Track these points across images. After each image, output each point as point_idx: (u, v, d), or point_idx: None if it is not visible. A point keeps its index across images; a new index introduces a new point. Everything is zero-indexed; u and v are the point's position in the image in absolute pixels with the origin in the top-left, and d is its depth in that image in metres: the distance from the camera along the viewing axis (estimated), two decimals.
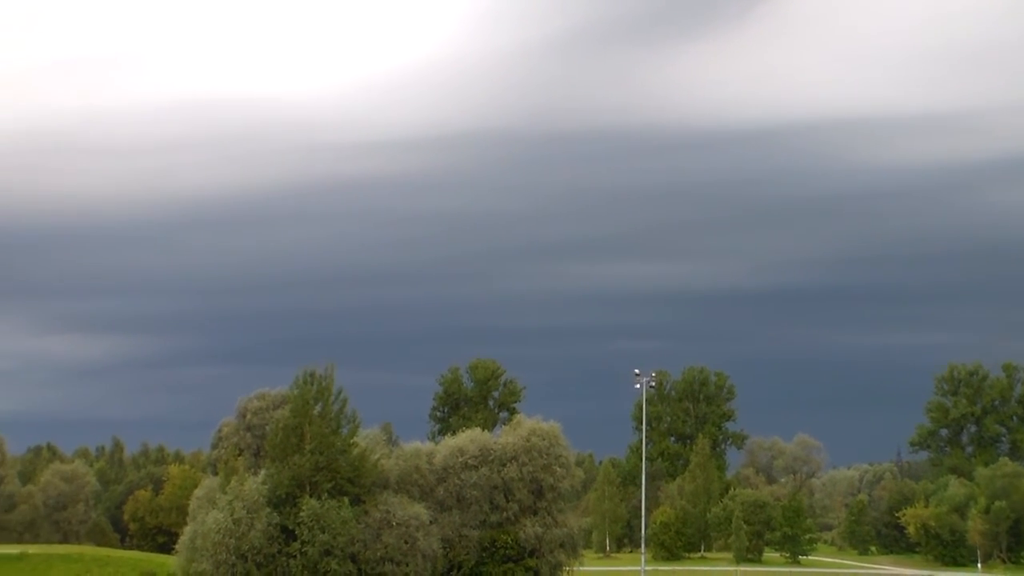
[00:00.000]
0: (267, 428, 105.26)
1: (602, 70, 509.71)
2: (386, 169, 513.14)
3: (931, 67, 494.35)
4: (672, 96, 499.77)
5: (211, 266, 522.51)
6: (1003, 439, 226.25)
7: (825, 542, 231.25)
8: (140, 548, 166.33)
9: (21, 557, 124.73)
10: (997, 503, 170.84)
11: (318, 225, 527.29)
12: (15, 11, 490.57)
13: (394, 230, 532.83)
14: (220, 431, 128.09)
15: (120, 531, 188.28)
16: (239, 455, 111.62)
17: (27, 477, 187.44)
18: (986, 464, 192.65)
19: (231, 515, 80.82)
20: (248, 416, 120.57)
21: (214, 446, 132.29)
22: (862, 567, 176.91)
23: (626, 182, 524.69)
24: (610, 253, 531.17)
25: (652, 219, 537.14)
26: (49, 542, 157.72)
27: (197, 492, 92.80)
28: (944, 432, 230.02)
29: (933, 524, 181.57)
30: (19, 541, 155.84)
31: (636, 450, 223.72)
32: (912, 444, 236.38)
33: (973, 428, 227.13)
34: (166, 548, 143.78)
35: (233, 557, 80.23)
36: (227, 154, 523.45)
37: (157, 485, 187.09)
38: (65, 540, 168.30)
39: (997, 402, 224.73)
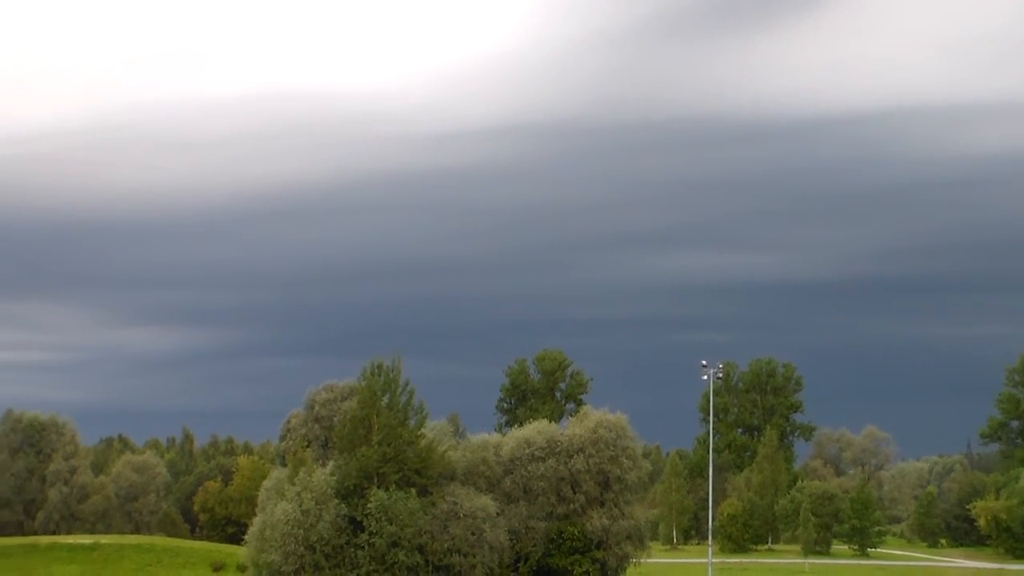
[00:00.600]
0: (335, 420, 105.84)
1: (677, 59, 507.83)
2: (456, 160, 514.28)
3: (1009, 53, 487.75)
4: (747, 85, 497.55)
5: (282, 258, 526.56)
6: None
7: (894, 535, 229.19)
8: (209, 539, 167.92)
9: (94, 547, 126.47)
10: None
11: (388, 216, 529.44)
12: (89, 8, 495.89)
13: (464, 221, 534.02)
14: (288, 423, 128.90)
15: (190, 522, 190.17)
16: (307, 446, 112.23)
17: (99, 468, 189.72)
18: None
19: (300, 506, 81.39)
20: (316, 408, 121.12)
21: (282, 437, 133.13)
22: (932, 560, 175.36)
23: (697, 172, 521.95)
24: (679, 244, 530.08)
25: (722, 209, 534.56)
26: (121, 532, 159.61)
27: (266, 483, 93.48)
28: (1015, 424, 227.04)
29: (1004, 517, 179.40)
30: (92, 531, 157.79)
31: (703, 442, 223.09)
32: (983, 436, 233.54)
33: None
34: (235, 539, 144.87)
35: (302, 548, 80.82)
36: (297, 146, 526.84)
37: (226, 476, 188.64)
38: (136, 530, 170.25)
39: None
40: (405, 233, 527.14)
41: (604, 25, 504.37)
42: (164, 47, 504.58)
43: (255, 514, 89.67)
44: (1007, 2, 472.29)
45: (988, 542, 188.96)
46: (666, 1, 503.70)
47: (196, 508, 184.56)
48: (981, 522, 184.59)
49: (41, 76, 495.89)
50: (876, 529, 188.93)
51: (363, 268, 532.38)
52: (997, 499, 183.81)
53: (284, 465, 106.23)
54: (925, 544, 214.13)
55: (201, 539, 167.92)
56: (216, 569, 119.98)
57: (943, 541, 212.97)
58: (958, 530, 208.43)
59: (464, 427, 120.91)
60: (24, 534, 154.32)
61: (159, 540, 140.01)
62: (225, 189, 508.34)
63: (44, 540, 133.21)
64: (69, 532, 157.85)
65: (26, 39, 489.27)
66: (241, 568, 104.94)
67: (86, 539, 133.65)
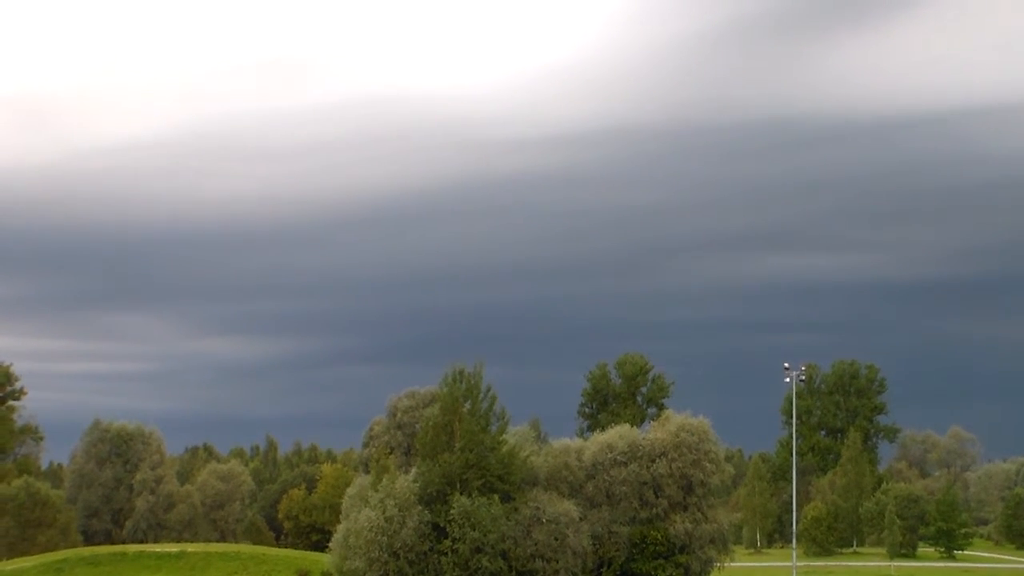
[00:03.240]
0: (417, 426, 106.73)
1: (761, 62, 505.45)
2: (544, 164, 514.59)
3: None
4: (831, 87, 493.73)
5: (367, 266, 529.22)
6: None
7: (981, 536, 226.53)
8: (294, 546, 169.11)
9: (181, 555, 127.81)
10: None
11: (476, 222, 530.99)
12: (182, 18, 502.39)
13: (550, 225, 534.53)
14: (371, 430, 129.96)
15: (275, 529, 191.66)
16: (390, 453, 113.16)
17: (185, 477, 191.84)
18: None
19: (383, 513, 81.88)
20: (398, 415, 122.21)
21: (365, 444, 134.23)
22: (1020, 562, 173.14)
23: (781, 174, 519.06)
24: (762, 246, 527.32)
25: (805, 211, 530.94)
26: (207, 541, 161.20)
27: (349, 490, 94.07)
28: None
29: None
30: (178, 540, 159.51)
31: (786, 445, 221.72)
32: None
33: None
34: (320, 546, 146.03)
35: (386, 555, 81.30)
36: (388, 152, 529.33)
37: (310, 484, 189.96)
38: (222, 539, 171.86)
39: None
40: (492, 238, 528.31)
41: (692, 29, 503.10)
42: (255, 57, 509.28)
43: (339, 521, 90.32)
44: None
45: None
46: (754, 4, 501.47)
47: (280, 516, 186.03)
48: None
49: (135, 88, 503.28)
50: (963, 531, 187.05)
51: (450, 273, 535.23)
52: None
53: (367, 472, 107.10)
54: (1013, 546, 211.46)
55: (286, 547, 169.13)
56: None
57: None
58: None
59: (546, 432, 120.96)
60: (112, 543, 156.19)
61: (244, 548, 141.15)
62: (313, 197, 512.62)
63: (132, 548, 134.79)
64: (156, 541, 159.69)
65: (120, 50, 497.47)
66: (326, 575, 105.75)
67: (173, 547, 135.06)
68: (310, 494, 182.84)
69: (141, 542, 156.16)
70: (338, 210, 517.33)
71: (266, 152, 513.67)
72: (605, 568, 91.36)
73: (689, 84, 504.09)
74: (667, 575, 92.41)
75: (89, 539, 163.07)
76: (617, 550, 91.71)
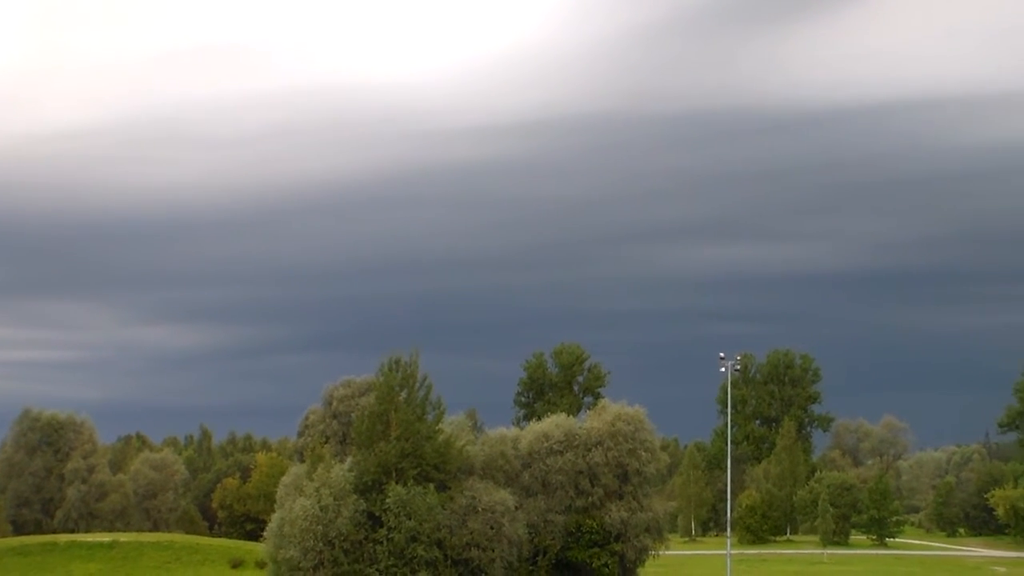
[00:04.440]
0: (353, 415, 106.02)
1: (703, 52, 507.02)
2: (482, 155, 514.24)
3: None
4: (772, 78, 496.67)
5: (305, 255, 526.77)
6: None
7: (912, 524, 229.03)
8: (228, 536, 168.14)
9: (112, 545, 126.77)
10: None
11: (412, 212, 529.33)
12: (117, 5, 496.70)
13: (488, 215, 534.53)
14: (307, 419, 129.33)
15: (209, 519, 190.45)
16: (325, 442, 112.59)
17: (117, 466, 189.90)
18: None
19: (318, 502, 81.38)
20: (334, 403, 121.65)
21: (300, 434, 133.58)
22: (950, 549, 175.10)
23: (721, 165, 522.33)
24: (699, 237, 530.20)
25: (743, 201, 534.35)
26: (140, 530, 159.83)
27: (284, 479, 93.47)
28: None
29: (1022, 506, 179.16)
30: (110, 529, 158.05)
31: (721, 434, 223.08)
32: (1001, 425, 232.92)
33: None
34: (254, 535, 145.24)
35: (320, 544, 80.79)
36: (324, 141, 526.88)
37: (245, 473, 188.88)
38: (155, 528, 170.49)
39: None
40: (428, 228, 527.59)
41: (636, 19, 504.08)
42: (202, 43, 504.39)
43: (274, 510, 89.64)
44: None
45: (1006, 531, 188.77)
46: None
47: (214, 505, 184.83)
48: (999, 511, 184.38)
49: (78, 74, 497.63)
50: (894, 519, 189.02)
51: (385, 263, 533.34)
52: (1015, 488, 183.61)
53: (302, 461, 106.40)
54: (943, 534, 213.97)
55: (220, 536, 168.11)
56: (234, 566, 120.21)
57: (961, 531, 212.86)
58: (976, 519, 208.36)
59: (482, 421, 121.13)
60: (43, 533, 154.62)
61: (178, 537, 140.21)
62: (251, 186, 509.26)
63: (63, 539, 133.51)
64: (88, 530, 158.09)
65: (63, 35, 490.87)
66: (260, 564, 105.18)
67: (105, 537, 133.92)
68: (244, 483, 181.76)
69: (72, 532, 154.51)
70: (280, 198, 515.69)
71: (211, 139, 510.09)
72: (540, 557, 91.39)
73: (632, 74, 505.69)
74: (602, 563, 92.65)
75: (19, 529, 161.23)
76: (553, 539, 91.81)
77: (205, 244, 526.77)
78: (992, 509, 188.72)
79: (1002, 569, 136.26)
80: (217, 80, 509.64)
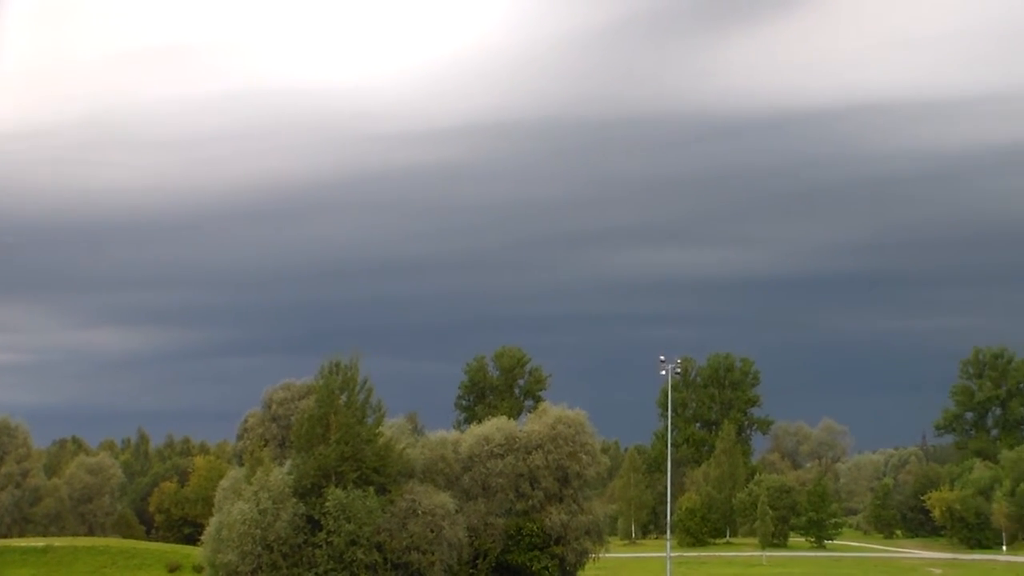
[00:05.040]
0: (292, 419, 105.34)
1: (647, 58, 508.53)
2: (432, 159, 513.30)
3: (969, 50, 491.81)
4: (716, 83, 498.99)
5: (251, 258, 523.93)
6: None
7: (850, 527, 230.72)
8: (165, 540, 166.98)
9: (47, 550, 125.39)
10: (1022, 485, 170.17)
11: (356, 215, 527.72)
12: (66, 5, 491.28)
13: (431, 219, 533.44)
14: (246, 422, 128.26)
15: (146, 523, 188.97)
16: (265, 446, 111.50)
17: (52, 470, 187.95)
18: (1011, 447, 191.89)
19: (257, 506, 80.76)
20: (274, 407, 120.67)
21: (239, 437, 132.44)
22: (887, 551, 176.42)
23: (664, 169, 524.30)
24: (643, 241, 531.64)
25: (686, 206, 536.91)
26: (75, 535, 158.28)
27: (223, 483, 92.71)
28: (969, 415, 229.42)
29: (958, 507, 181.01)
30: (45, 534, 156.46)
31: (661, 437, 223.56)
32: (937, 428, 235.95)
33: (998, 411, 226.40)
34: (192, 539, 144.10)
35: (259, 548, 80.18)
36: (272, 145, 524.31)
37: (183, 477, 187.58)
38: (91, 532, 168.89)
39: (1022, 385, 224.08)
40: (372, 232, 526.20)
41: (579, 25, 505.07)
42: (146, 44, 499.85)
43: (211, 514, 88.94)
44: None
45: (943, 532, 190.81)
46: (641, 1, 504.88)
47: (152, 509, 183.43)
48: (936, 513, 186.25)
49: (20, 74, 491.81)
50: (833, 521, 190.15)
51: (328, 267, 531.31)
52: (951, 490, 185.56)
53: (241, 465, 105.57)
54: (881, 535, 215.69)
55: (157, 540, 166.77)
56: (172, 570, 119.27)
57: (898, 532, 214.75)
58: (913, 521, 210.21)
59: (423, 425, 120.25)
60: None
61: (113, 542, 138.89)
62: (196, 189, 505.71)
63: None
64: (21, 535, 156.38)
65: (4, 35, 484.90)
66: (197, 569, 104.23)
67: (39, 542, 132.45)
68: (182, 487, 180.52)
69: (5, 537, 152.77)
70: (223, 202, 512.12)
71: (154, 142, 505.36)
72: (481, 560, 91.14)
73: (579, 79, 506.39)
74: (542, 566, 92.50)
75: None
76: (493, 542, 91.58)
77: (148, 247, 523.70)
78: (929, 511, 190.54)
79: (938, 571, 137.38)
80: (164, 83, 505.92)
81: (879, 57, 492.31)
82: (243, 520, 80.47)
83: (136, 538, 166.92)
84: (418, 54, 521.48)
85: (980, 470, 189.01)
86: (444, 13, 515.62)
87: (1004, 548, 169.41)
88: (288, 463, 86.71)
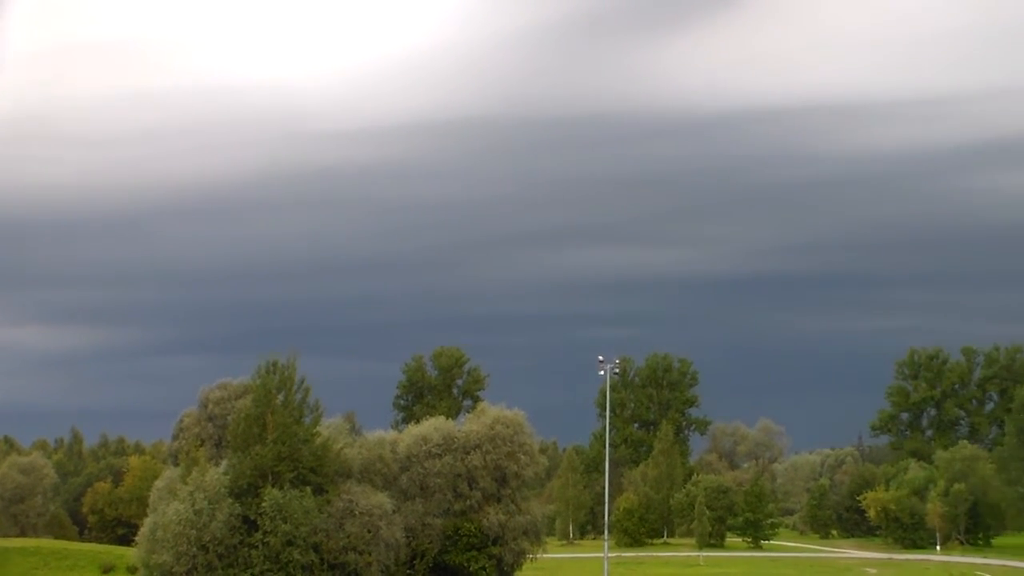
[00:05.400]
0: (229, 418, 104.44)
1: (591, 57, 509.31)
2: (371, 157, 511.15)
3: (907, 53, 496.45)
4: (655, 83, 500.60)
5: (186, 256, 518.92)
6: (962, 422, 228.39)
7: (787, 527, 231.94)
8: (99, 540, 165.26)
9: None
10: (956, 486, 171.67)
11: (296, 214, 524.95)
12: None
13: (370, 219, 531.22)
14: (181, 422, 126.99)
15: (79, 523, 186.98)
16: (200, 446, 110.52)
17: None
18: (945, 447, 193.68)
19: (192, 506, 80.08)
20: (210, 406, 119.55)
21: (175, 437, 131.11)
22: (823, 551, 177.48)
23: (603, 169, 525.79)
24: (580, 241, 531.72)
25: (624, 206, 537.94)
26: (6, 536, 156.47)
27: (158, 483, 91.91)
28: (905, 416, 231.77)
29: (893, 507, 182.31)
30: None
31: (600, 437, 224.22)
32: (873, 428, 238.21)
33: (933, 412, 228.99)
34: (126, 540, 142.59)
35: (194, 548, 79.52)
36: (207, 143, 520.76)
37: (117, 477, 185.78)
38: (23, 533, 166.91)
39: (957, 386, 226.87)
40: (310, 231, 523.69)
41: (523, 24, 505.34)
42: (69, 41, 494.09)
43: (146, 515, 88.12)
44: (911, 2, 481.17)
45: (878, 532, 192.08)
46: (583, 1, 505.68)
47: (85, 510, 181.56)
48: (871, 513, 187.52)
49: None
50: (769, 521, 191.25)
51: (265, 266, 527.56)
52: (886, 490, 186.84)
53: (176, 465, 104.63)
54: (817, 536, 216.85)
55: (90, 541, 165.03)
56: (105, 571, 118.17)
57: (834, 532, 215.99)
58: (849, 521, 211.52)
59: (360, 425, 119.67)
60: None
61: (46, 543, 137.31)
62: (128, 186, 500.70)
63: None
64: None
65: None
66: (131, 570, 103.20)
67: None
68: (116, 487, 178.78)
69: None
70: (158, 199, 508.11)
71: (87, 138, 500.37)
72: (418, 560, 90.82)
73: (515, 78, 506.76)
74: (480, 567, 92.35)
75: None
76: (430, 542, 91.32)
77: (80, 245, 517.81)
78: (864, 511, 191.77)
79: (873, 571, 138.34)
80: (94, 78, 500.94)
81: (818, 58, 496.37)
82: (178, 520, 79.80)
83: (69, 539, 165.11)
84: (360, 53, 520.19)
85: (915, 470, 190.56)
86: (387, 12, 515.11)
87: (938, 548, 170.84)
88: (224, 463, 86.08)
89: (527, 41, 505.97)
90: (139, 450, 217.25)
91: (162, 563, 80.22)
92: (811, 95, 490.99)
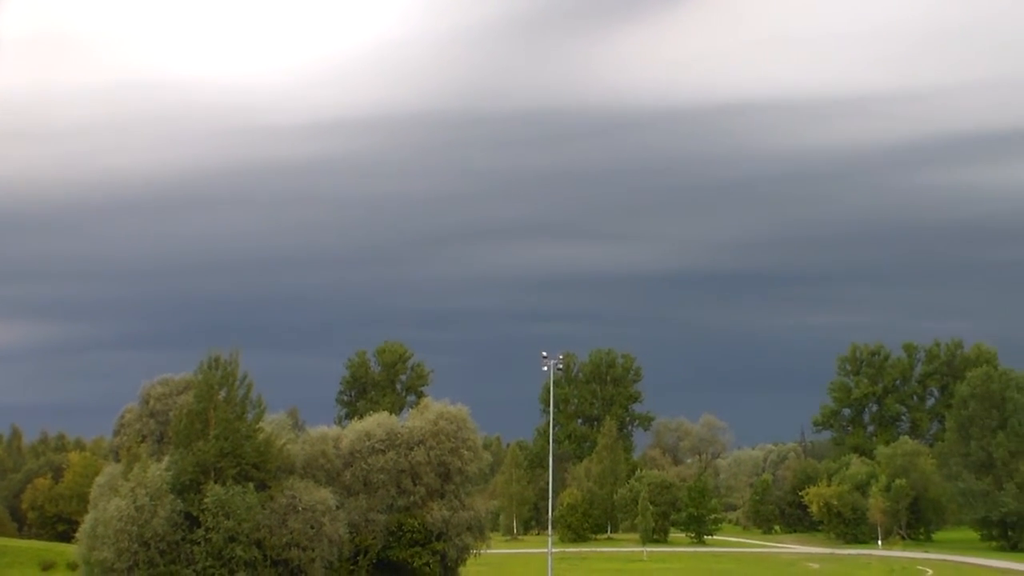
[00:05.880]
0: (171, 414, 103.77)
1: (534, 53, 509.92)
2: (315, 152, 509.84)
3: (845, 52, 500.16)
4: (604, 78, 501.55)
5: (127, 252, 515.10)
6: (903, 418, 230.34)
7: (730, 522, 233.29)
8: (39, 537, 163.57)
9: None
10: (897, 481, 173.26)
11: (237, 209, 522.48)
12: None
13: (312, 214, 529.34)
14: (122, 417, 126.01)
15: (18, 520, 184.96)
16: (142, 442, 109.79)
17: None
18: (887, 443, 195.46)
19: (133, 502, 79.48)
20: (151, 402, 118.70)
21: (116, 433, 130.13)
22: (766, 546, 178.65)
23: (549, 165, 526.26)
24: (527, 236, 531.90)
25: (571, 202, 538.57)
26: None
27: (99, 479, 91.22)
28: (846, 412, 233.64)
29: (835, 503, 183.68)
30: None
31: (543, 433, 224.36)
32: (815, 424, 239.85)
33: (874, 407, 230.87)
34: (66, 537, 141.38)
35: (135, 545, 78.91)
36: (150, 137, 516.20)
37: (57, 473, 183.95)
38: None
39: (898, 382, 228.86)
40: (254, 226, 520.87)
41: (462, 21, 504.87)
42: (17, 34, 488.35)
43: (87, 511, 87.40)
44: (849, 1, 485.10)
45: (820, 527, 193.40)
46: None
47: (24, 506, 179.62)
48: (813, 508, 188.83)
49: None
50: (712, 517, 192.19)
51: (207, 262, 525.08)
52: (828, 485, 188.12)
53: (118, 461, 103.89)
54: (760, 530, 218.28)
55: (30, 538, 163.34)
56: (45, 568, 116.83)
57: (777, 527, 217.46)
58: (791, 516, 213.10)
59: (304, 420, 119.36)
60: None
61: None
62: (74, 181, 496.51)
63: None
64: None
65: None
66: (72, 566, 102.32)
67: None
68: (57, 484, 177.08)
69: None
70: (101, 194, 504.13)
71: (33, 132, 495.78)
72: (361, 556, 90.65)
73: (469, 73, 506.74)
74: (423, 562, 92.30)
75: None
76: (374, 538, 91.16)
77: (20, 240, 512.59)
78: (806, 506, 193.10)
79: (815, 565, 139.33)
80: (41, 71, 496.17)
81: (755, 57, 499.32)
82: (119, 517, 79.18)
83: (8, 536, 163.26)
84: (306, 49, 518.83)
85: (856, 466, 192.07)
86: (334, 8, 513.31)
87: (879, 543, 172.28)
88: (166, 459, 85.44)
89: (468, 38, 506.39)
90: (80, 446, 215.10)
91: (103, 560, 79.53)
92: (749, 93, 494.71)
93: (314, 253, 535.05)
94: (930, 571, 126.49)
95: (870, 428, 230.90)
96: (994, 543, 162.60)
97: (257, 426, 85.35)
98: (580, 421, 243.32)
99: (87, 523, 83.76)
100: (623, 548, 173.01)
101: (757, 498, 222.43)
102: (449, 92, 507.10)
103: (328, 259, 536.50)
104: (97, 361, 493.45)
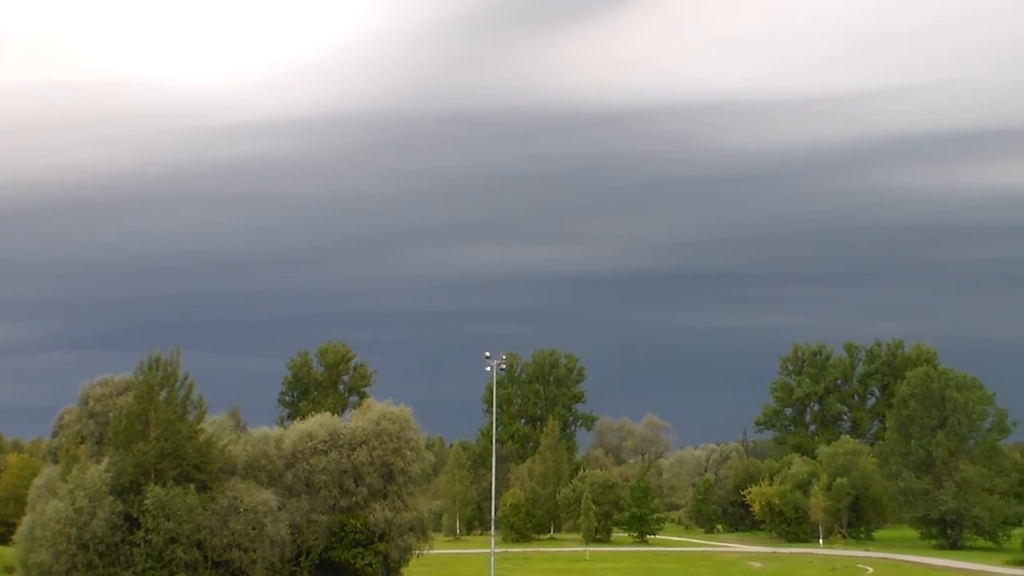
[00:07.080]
0: (111, 415, 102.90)
1: (482, 54, 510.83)
2: (261, 152, 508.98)
3: (795, 53, 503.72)
4: (552, 79, 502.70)
5: (67, 251, 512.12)
6: (844, 417, 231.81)
7: (673, 521, 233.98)
8: None
9: None
10: (838, 480, 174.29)
11: (184, 209, 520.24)
12: None
13: (260, 214, 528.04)
14: (61, 418, 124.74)
15: None
16: (81, 443, 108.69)
17: None
18: (828, 442, 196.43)
19: (72, 504, 78.87)
20: (91, 403, 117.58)
21: (55, 434, 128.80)
22: (709, 545, 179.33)
23: (493, 166, 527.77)
24: (471, 236, 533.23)
25: (515, 203, 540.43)
26: None
27: (37, 481, 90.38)
28: (788, 411, 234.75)
29: (777, 502, 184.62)
30: None
31: (486, 433, 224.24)
32: (757, 423, 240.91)
33: (816, 407, 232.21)
34: (3, 539, 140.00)
35: (74, 547, 78.32)
36: (100, 136, 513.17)
37: None
38: None
39: (839, 381, 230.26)
40: (197, 227, 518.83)
41: (409, 21, 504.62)
42: None
43: (24, 513, 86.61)
44: (793, 1, 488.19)
45: (762, 527, 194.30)
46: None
47: None
48: (755, 507, 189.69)
49: None
50: (655, 516, 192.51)
51: (151, 262, 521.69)
52: (770, 485, 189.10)
53: (56, 462, 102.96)
54: (702, 530, 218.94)
55: None
56: None
57: (719, 527, 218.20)
58: (734, 515, 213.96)
59: (245, 421, 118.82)
60: None
61: None
62: (14, 180, 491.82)
63: None
64: None
65: None
66: (9, 569, 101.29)
67: None
68: None
69: None
70: (47, 192, 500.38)
71: None
72: (303, 557, 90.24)
73: (411, 75, 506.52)
74: (366, 563, 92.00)
75: None
76: (316, 539, 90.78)
77: None
78: (748, 505, 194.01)
79: (757, 564, 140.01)
80: None
81: (701, 57, 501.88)
82: (58, 519, 78.60)
83: None
84: (247, 50, 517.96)
85: (798, 465, 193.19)
86: (279, 9, 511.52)
87: (820, 542, 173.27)
88: (106, 460, 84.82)
89: (415, 38, 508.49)
90: (17, 448, 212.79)
91: (41, 562, 78.89)
92: (695, 94, 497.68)
93: (257, 253, 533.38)
94: (870, 569, 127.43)
95: (812, 427, 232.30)
96: (933, 541, 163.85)
97: (198, 427, 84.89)
98: (523, 421, 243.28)
99: (24, 525, 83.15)
100: (566, 548, 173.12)
101: (699, 498, 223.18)
102: (396, 93, 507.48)
103: (271, 259, 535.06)
104: (34, 361, 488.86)
